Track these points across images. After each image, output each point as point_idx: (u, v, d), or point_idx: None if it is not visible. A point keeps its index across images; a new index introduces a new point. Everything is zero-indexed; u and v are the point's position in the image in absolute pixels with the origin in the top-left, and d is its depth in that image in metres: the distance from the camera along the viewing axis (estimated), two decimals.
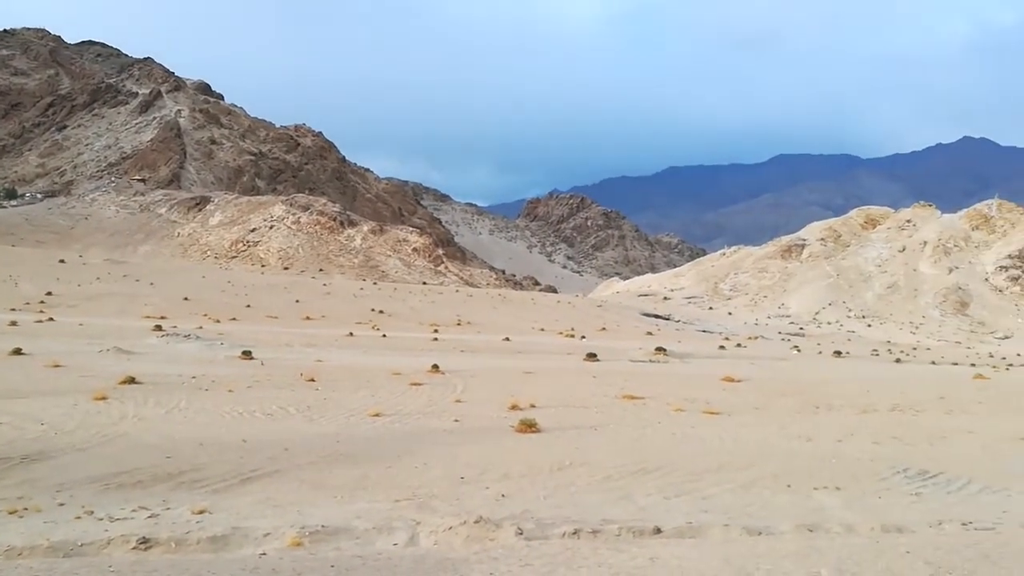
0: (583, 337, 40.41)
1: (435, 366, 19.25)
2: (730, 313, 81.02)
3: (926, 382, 23.64)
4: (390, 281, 79.73)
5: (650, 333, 49.38)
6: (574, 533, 6.27)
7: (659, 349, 30.51)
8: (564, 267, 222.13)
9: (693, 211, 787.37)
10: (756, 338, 53.03)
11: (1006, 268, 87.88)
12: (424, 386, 16.20)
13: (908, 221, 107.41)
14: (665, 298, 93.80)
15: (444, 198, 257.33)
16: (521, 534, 6.18)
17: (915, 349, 50.85)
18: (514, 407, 13.59)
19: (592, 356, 25.86)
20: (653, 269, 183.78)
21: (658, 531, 6.49)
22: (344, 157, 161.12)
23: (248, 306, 44.02)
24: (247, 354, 20.53)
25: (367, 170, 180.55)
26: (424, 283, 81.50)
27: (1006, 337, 70.24)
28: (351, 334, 31.90)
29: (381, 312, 46.40)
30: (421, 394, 15.12)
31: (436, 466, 9.08)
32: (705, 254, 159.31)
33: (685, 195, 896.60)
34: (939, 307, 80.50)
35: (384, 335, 32.97)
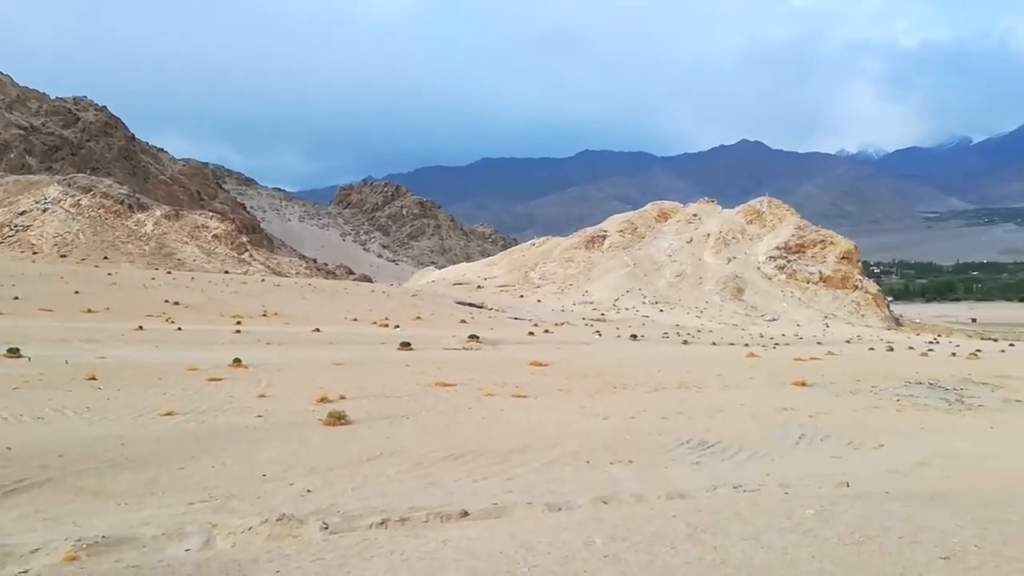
0: (397, 326, 40.18)
1: (237, 360, 18.23)
2: (539, 300, 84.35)
3: (708, 361, 26.10)
4: (187, 270, 74.06)
5: (464, 321, 50.17)
6: (382, 523, 6.29)
7: (472, 336, 31.13)
8: (379, 256, 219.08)
9: (506, 202, 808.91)
10: (563, 324, 55.68)
11: (774, 258, 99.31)
12: (224, 381, 15.30)
13: (695, 215, 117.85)
14: (479, 287, 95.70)
15: (249, 182, 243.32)
16: (327, 528, 6.09)
17: (699, 331, 56.01)
18: (323, 400, 13.26)
19: (406, 345, 25.83)
20: (468, 258, 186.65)
21: (465, 514, 6.68)
22: (134, 135, 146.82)
23: (16, 298, 38.88)
24: (13, 352, 18.15)
25: (160, 150, 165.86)
26: (226, 272, 76.63)
27: (774, 319, 79.55)
28: (141, 328, 29.26)
29: (176, 304, 42.99)
30: (220, 390, 14.27)
31: (236, 465, 8.65)
32: (517, 244, 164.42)
33: (498, 186, 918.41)
34: (720, 293, 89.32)
35: (179, 328, 30.61)
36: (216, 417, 11.64)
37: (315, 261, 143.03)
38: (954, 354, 32.41)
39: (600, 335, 43.93)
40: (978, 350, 35.06)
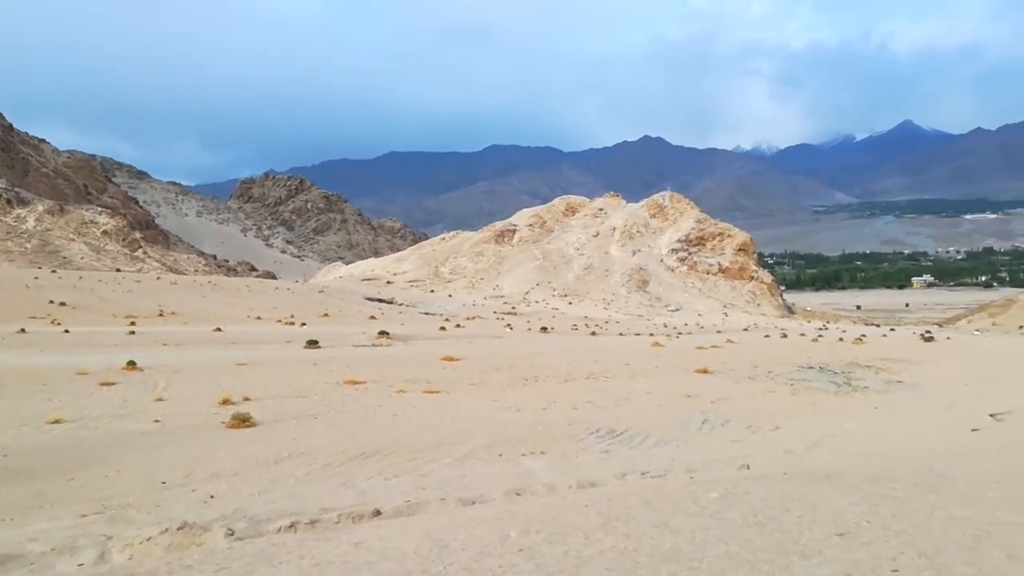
0: (304, 324, 39.08)
1: (131, 362, 17.26)
2: (450, 295, 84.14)
3: (615, 352, 26.68)
4: (74, 268, 69.58)
5: (374, 317, 49.39)
6: (290, 527, 6.09)
7: (382, 333, 30.67)
8: (283, 252, 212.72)
9: (414, 196, 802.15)
10: (474, 318, 55.71)
11: (676, 251, 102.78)
12: (117, 385, 14.44)
13: (601, 209, 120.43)
14: (388, 282, 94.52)
15: (142, 175, 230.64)
16: (232, 535, 5.84)
17: (607, 323, 57.29)
18: (226, 402, 12.74)
19: (313, 343, 25.16)
20: (377, 253, 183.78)
21: (378, 513, 6.56)
22: (11, 125, 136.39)
23: None
24: None
25: (42, 141, 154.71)
26: (118, 270, 72.47)
27: (676, 309, 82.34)
28: (23, 331, 27.28)
29: (63, 304, 40.31)
30: (114, 394, 13.46)
31: (132, 473, 8.18)
32: (427, 238, 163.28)
33: (406, 180, 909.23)
34: (626, 285, 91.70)
35: (67, 331, 28.72)
36: (109, 423, 10.97)
37: (215, 258, 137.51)
38: (841, 339, 34.40)
39: (511, 328, 44.22)
40: (863, 335, 37.39)
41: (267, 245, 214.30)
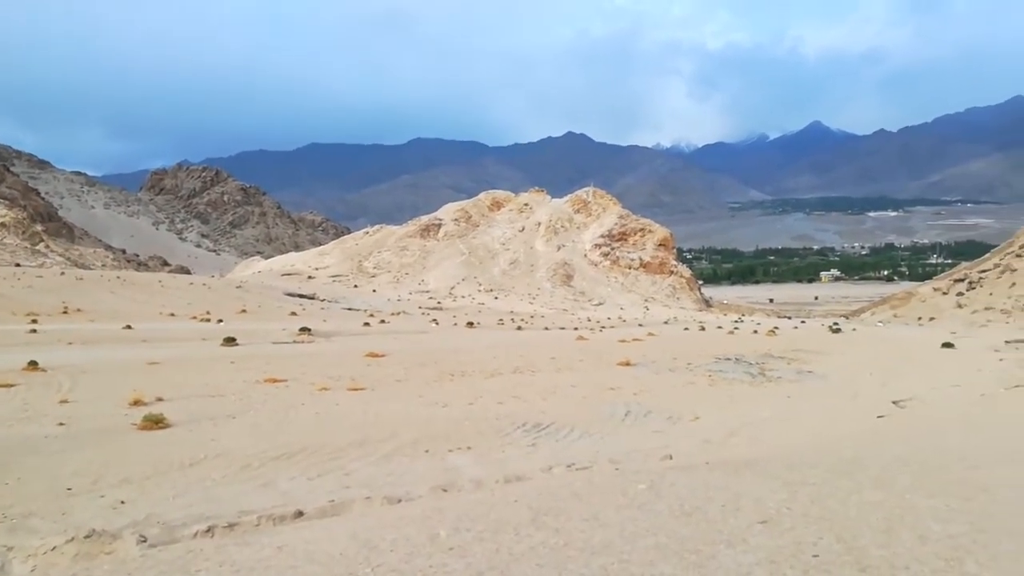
0: (220, 321, 37.73)
1: (33, 363, 16.25)
2: (374, 290, 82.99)
3: (541, 346, 26.90)
4: None
5: (295, 313, 48.16)
6: (207, 531, 5.83)
7: (303, 329, 29.93)
8: (198, 246, 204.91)
9: (336, 189, 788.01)
10: (399, 313, 55.12)
11: (599, 246, 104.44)
12: (18, 387, 13.57)
13: (526, 204, 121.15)
14: (310, 277, 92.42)
15: (43, 165, 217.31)
16: (144, 542, 5.54)
17: (533, 317, 57.72)
18: (137, 402, 12.13)
19: (230, 340, 24.32)
20: (297, 248, 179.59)
21: (300, 514, 6.36)
22: None
23: None
24: None
25: None
26: (17, 265, 68.25)
27: (600, 304, 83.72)
28: None
29: None
30: (14, 397, 12.64)
31: (34, 479, 7.68)
32: (349, 232, 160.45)
33: (328, 173, 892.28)
34: (551, 280, 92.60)
35: None
36: (9, 428, 10.28)
37: (124, 252, 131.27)
38: (756, 332, 35.71)
39: (437, 323, 43.95)
40: (776, 327, 38.94)
41: (181, 239, 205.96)
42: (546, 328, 42.09)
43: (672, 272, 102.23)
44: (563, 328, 41.66)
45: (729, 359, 22.36)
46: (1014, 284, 53.67)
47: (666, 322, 53.44)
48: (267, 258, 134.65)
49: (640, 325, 46.51)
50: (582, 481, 5.57)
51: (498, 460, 9.03)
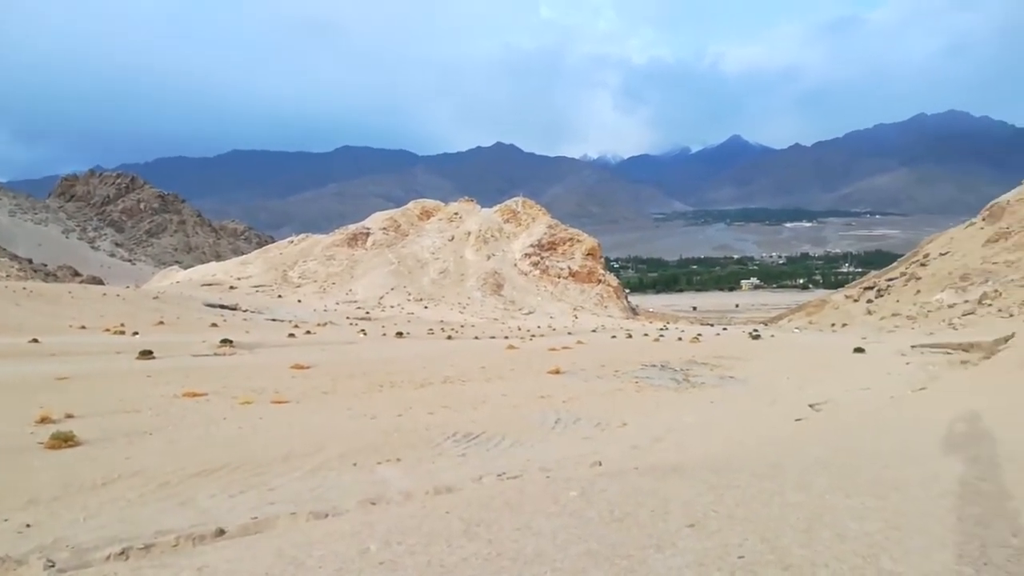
0: (136, 333, 36.12)
1: None
2: (300, 301, 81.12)
3: (471, 355, 26.82)
4: None
5: (215, 325, 46.57)
6: (121, 553, 5.54)
7: (225, 341, 28.97)
8: (112, 255, 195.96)
9: (259, 197, 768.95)
10: (326, 324, 54.05)
11: (529, 255, 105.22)
12: None
13: (456, 214, 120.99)
14: (232, 287, 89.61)
15: None
16: (52, 566, 5.23)
17: (463, 326, 57.55)
18: (44, 420, 11.45)
19: (147, 353, 23.30)
20: (218, 257, 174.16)
21: (221, 532, 6.13)
22: None
23: None
24: None
25: None
26: None
27: (530, 312, 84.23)
28: None
29: None
30: None
31: None
32: (274, 241, 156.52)
33: (250, 180, 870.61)
34: (481, 289, 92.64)
35: None
36: None
37: (31, 262, 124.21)
38: (680, 339, 36.59)
39: (365, 334, 43.29)
40: (699, 334, 40.00)
41: (93, 248, 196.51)
42: (476, 337, 42.03)
43: (600, 281, 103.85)
44: (493, 337, 41.69)
45: (655, 366, 22.82)
46: (919, 292, 56.78)
47: (594, 330, 54.16)
48: (186, 268, 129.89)
49: (569, 333, 47.00)
50: (513, 490, 5.56)
51: (428, 471, 8.93)
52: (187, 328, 43.16)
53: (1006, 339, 24.68)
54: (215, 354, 25.90)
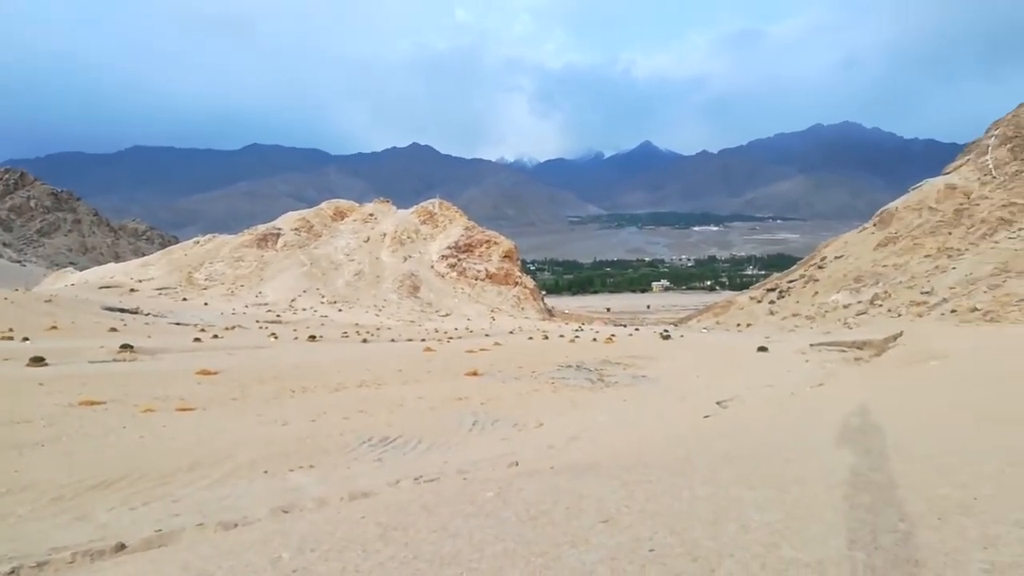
0: (26, 339, 33.85)
1: None
2: (206, 303, 78.04)
3: (387, 358, 26.50)
4: None
5: (115, 329, 44.21)
6: (11, 573, 5.21)
7: (125, 346, 27.56)
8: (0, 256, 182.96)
9: (163, 196, 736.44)
10: (234, 328, 52.20)
11: (446, 257, 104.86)
12: None
13: (371, 215, 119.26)
14: (133, 290, 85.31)
15: None
16: None
17: (379, 329, 56.76)
18: None
19: (38, 360, 21.90)
20: (117, 258, 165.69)
21: (122, 547, 5.84)
22: None
23: None
24: None
25: None
26: None
27: (447, 314, 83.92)
28: None
29: None
30: None
31: None
32: (178, 242, 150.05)
33: (153, 178, 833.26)
34: (397, 291, 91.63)
35: None
36: None
37: None
38: (595, 339, 37.29)
39: (276, 338, 42.07)
40: (613, 335, 40.90)
41: None
42: (393, 340, 41.55)
43: (517, 283, 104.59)
44: (410, 340, 41.31)
45: (571, 366, 23.18)
46: (816, 293, 59.92)
47: (512, 332, 54.49)
48: (82, 269, 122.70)
49: (487, 335, 47.11)
50: (431, 493, 5.54)
51: (343, 477, 8.78)
52: (83, 333, 40.77)
53: (895, 337, 26.41)
54: (114, 360, 24.59)
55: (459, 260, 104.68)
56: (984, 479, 4.62)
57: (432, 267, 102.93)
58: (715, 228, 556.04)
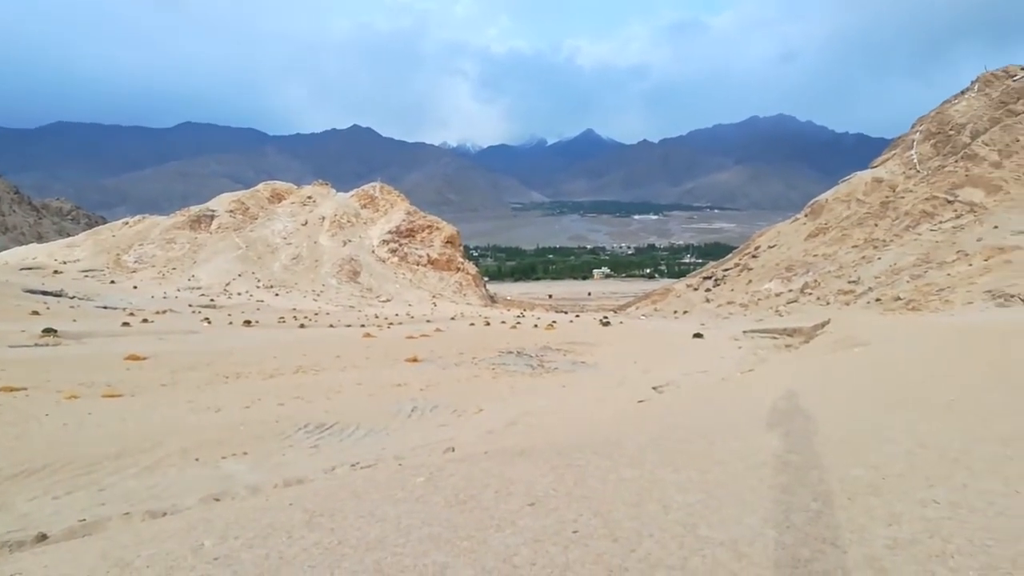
0: None
1: None
2: (136, 287, 75.36)
3: (325, 344, 26.17)
4: None
5: (37, 313, 42.32)
6: None
7: (48, 330, 26.48)
8: None
9: (89, 174, 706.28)
10: (165, 312, 50.61)
11: (387, 242, 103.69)
12: None
13: (309, 197, 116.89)
14: (56, 272, 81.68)
15: None
16: None
17: (317, 315, 55.87)
18: None
19: None
20: (40, 238, 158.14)
21: (43, 538, 5.67)
22: None
23: None
24: None
25: None
26: None
27: (388, 300, 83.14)
28: None
29: None
30: None
31: None
32: (105, 222, 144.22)
33: (79, 155, 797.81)
34: (336, 276, 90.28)
35: None
36: None
37: None
38: (536, 326, 37.59)
39: (210, 322, 41.01)
40: (554, 322, 41.28)
41: None
42: (331, 326, 41.01)
43: (459, 269, 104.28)
44: (349, 325, 40.84)
45: (511, 352, 23.34)
46: (750, 281, 61.64)
47: (453, 318, 54.37)
48: (1, 250, 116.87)
49: (428, 321, 46.92)
50: (363, 479, 5.55)
51: (277, 464, 8.69)
52: (3, 316, 38.92)
53: (823, 325, 27.43)
54: (36, 345, 23.59)
55: (400, 245, 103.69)
56: (894, 460, 4.88)
57: (373, 252, 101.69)
58: (655, 217, 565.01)
